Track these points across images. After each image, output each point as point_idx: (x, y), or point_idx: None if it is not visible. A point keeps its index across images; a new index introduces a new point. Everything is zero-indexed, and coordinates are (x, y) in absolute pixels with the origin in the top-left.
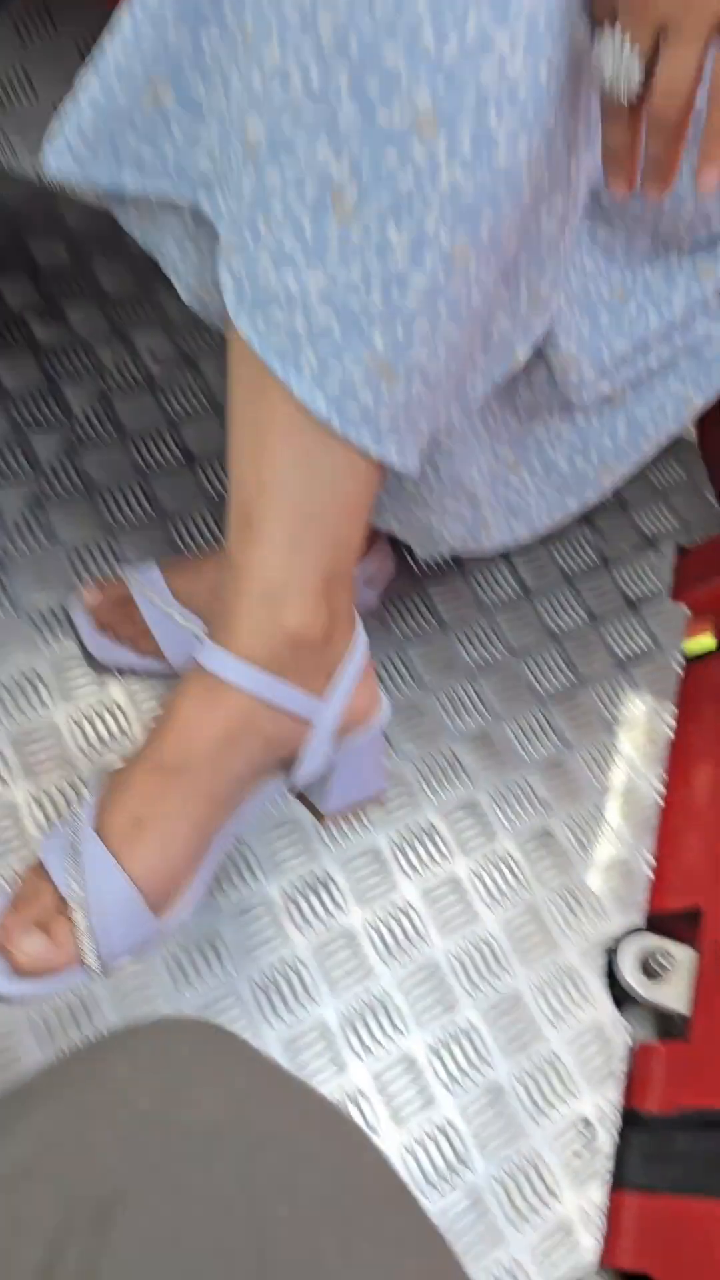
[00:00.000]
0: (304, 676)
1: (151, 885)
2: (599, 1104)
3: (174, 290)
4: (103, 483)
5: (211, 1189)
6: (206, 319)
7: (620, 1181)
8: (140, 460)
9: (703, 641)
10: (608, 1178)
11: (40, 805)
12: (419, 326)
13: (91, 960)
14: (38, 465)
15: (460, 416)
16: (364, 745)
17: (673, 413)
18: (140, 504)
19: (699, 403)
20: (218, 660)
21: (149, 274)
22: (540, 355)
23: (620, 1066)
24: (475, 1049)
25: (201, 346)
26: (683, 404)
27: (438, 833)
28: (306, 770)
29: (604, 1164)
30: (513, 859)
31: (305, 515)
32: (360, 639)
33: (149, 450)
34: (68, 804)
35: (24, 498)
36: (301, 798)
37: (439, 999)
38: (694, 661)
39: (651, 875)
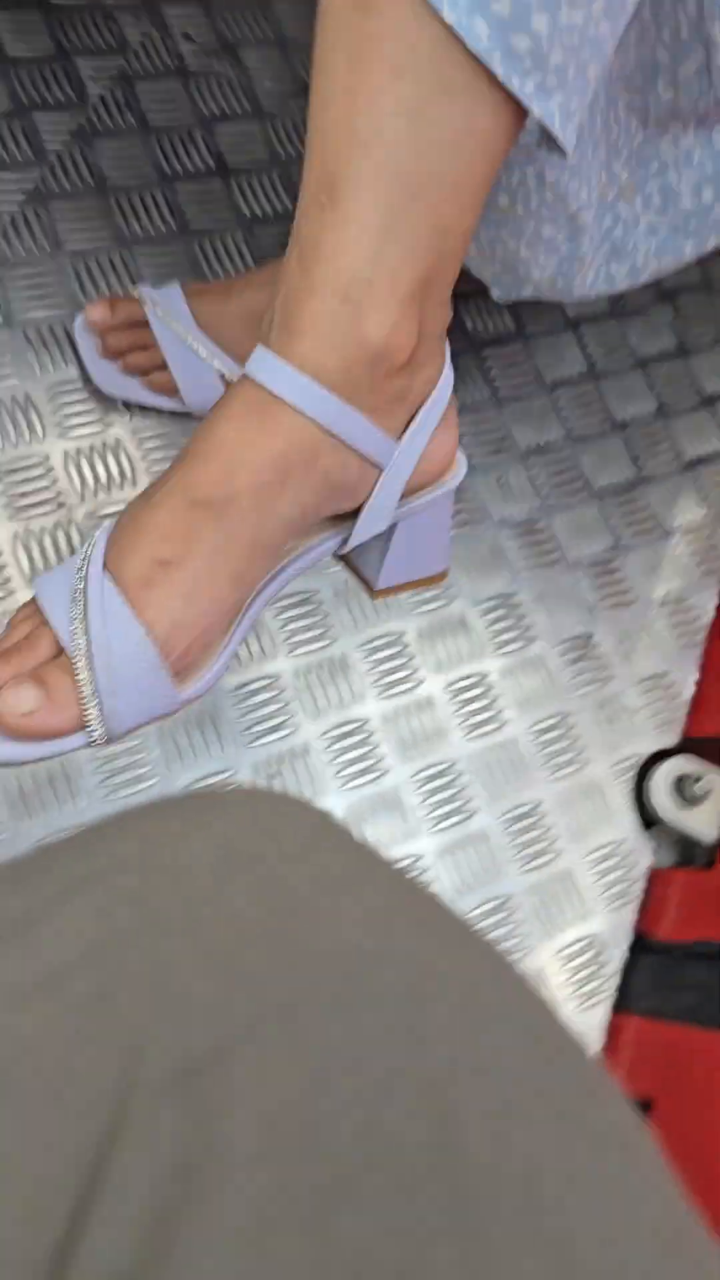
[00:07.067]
0: (378, 407)
1: (173, 645)
2: (612, 925)
3: None
4: (118, 183)
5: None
6: None
7: (624, 1004)
8: (164, 162)
9: None
10: (612, 998)
11: (27, 549)
12: None
13: (96, 726)
14: (41, 152)
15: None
16: (432, 510)
17: None
18: (160, 214)
19: None
20: (274, 371)
21: None
22: (702, 39)
23: (638, 889)
24: (488, 858)
25: (245, 34)
26: None
27: (469, 627)
28: (366, 528)
29: (609, 985)
30: (547, 664)
31: (408, 187)
32: (448, 374)
33: (174, 151)
34: (58, 554)
35: (23, 188)
36: (350, 566)
37: (453, 804)
38: None
39: (693, 697)
